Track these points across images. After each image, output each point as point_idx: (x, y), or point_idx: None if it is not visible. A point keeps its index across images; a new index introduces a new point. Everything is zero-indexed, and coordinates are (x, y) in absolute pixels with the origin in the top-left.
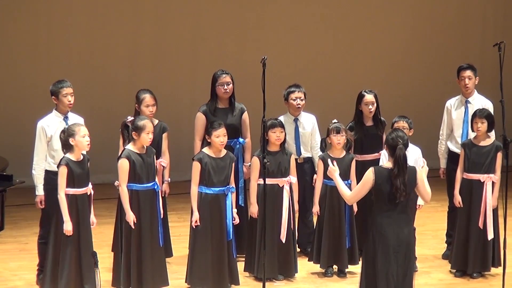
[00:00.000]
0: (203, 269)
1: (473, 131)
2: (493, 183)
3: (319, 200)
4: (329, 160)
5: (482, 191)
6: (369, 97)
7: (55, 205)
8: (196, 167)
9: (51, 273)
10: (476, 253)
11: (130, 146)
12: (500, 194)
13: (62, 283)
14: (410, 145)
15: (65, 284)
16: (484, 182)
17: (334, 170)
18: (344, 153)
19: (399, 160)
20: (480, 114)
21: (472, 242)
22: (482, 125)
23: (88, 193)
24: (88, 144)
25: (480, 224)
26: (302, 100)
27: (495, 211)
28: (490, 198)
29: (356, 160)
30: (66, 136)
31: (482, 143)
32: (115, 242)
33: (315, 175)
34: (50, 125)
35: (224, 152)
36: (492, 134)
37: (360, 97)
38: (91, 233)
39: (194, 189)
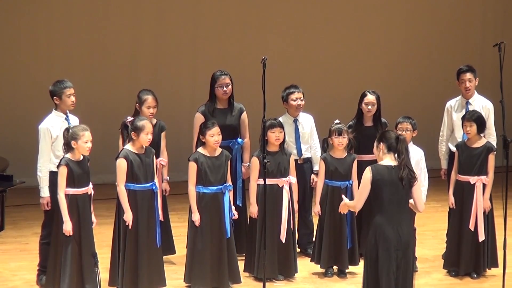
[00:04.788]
0: (202, 268)
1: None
2: (484, 185)
3: (320, 201)
4: (344, 198)
5: (473, 193)
6: (370, 97)
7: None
8: (192, 167)
9: (53, 273)
10: (468, 255)
11: (128, 146)
12: (499, 194)
13: (64, 284)
14: (412, 146)
15: (68, 285)
16: (474, 184)
17: (345, 204)
18: (345, 153)
19: (406, 149)
20: (469, 117)
21: (464, 244)
22: (471, 128)
23: (89, 193)
24: (88, 150)
25: (471, 226)
26: (302, 100)
27: (489, 213)
28: (480, 200)
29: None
30: (69, 138)
31: (474, 145)
32: (113, 242)
33: (312, 175)
34: (54, 125)
35: (219, 151)
36: (493, 133)
37: (362, 96)
38: (92, 233)
39: (192, 189)
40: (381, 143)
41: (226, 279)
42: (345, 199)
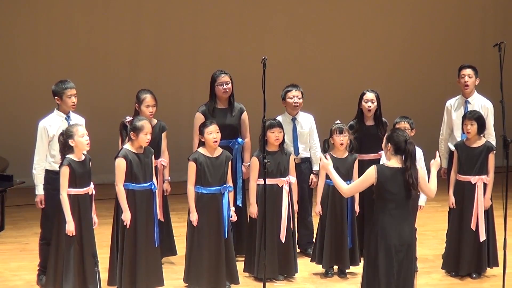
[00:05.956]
0: (200, 268)
1: (463, 133)
2: (485, 184)
3: (321, 200)
4: (321, 154)
5: (473, 192)
6: (369, 95)
7: (56, 205)
8: (192, 167)
9: (54, 273)
10: (469, 255)
11: (128, 146)
12: (499, 194)
13: (68, 285)
14: None
15: (71, 285)
16: (475, 184)
17: (327, 164)
18: (347, 153)
19: (412, 154)
20: (470, 116)
21: (464, 244)
22: (472, 127)
23: (90, 193)
24: (87, 143)
25: (473, 226)
26: (299, 98)
27: (489, 212)
28: (481, 200)
29: None
30: (66, 138)
31: (473, 145)
32: (112, 241)
33: (312, 175)
34: (52, 124)
35: (219, 151)
36: (492, 133)
37: (362, 95)
38: (93, 233)
39: (191, 189)
40: (390, 144)
41: (224, 280)
42: (326, 162)
